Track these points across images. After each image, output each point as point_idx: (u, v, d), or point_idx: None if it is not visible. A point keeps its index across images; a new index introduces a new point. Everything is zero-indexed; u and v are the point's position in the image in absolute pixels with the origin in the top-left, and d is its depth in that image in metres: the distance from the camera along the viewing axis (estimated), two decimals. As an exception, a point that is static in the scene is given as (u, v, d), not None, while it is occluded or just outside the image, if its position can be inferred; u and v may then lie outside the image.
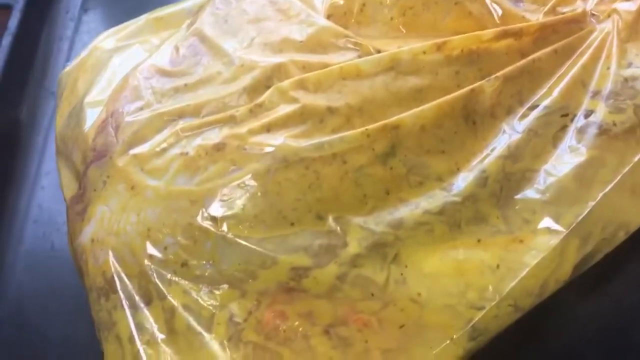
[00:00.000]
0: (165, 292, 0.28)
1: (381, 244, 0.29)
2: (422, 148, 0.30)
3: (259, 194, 0.28)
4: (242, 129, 0.29)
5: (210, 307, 0.28)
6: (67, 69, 0.41)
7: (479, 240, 0.30)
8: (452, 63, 0.32)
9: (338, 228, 0.29)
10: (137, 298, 0.28)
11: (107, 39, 0.41)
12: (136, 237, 0.28)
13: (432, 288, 0.29)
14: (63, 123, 0.35)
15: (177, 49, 0.33)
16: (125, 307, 0.28)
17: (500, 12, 0.35)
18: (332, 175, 0.29)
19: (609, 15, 0.35)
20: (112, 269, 0.28)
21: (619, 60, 0.33)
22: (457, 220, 0.30)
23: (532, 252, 0.30)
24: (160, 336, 0.27)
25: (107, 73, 0.36)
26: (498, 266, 0.30)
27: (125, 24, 0.43)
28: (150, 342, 0.27)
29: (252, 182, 0.28)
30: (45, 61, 0.50)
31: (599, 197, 0.31)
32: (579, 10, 0.35)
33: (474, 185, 0.30)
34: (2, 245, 0.39)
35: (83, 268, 0.29)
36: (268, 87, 0.30)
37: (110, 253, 0.28)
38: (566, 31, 0.35)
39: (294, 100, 0.29)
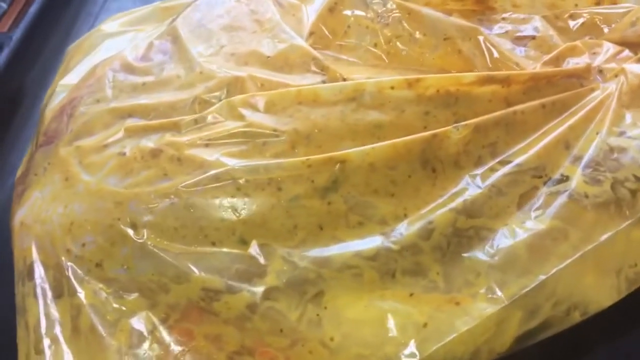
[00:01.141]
0: (76, 288, 0.28)
1: (302, 281, 0.28)
2: (369, 187, 0.29)
3: (184, 208, 0.27)
4: (182, 139, 0.28)
5: (117, 313, 0.27)
6: (72, 45, 0.42)
7: (411, 294, 0.29)
8: (423, 103, 0.30)
9: (260, 256, 0.28)
10: (49, 290, 0.28)
11: (113, 22, 0.41)
12: (58, 229, 0.28)
13: (348, 335, 0.28)
14: (45, 100, 0.36)
15: (151, 45, 0.33)
16: (38, 296, 0.28)
17: (496, 54, 0.33)
18: (263, 200, 0.28)
19: (616, 75, 0.32)
20: (33, 256, 0.28)
21: (610, 126, 0.31)
22: (391, 269, 0.29)
23: (466, 318, 0.28)
24: (64, 333, 0.27)
25: (92, 57, 0.37)
26: (425, 324, 0.28)
27: (137, 8, 0.43)
28: (54, 338, 0.27)
29: (179, 195, 0.27)
30: (67, 35, 0.51)
31: (552, 272, 0.29)
32: (582, 65, 0.32)
33: (417, 235, 0.29)
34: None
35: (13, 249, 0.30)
36: (220, 99, 0.29)
37: (34, 240, 0.28)
38: (564, 85, 0.32)
39: (241, 117, 0.28)
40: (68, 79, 0.35)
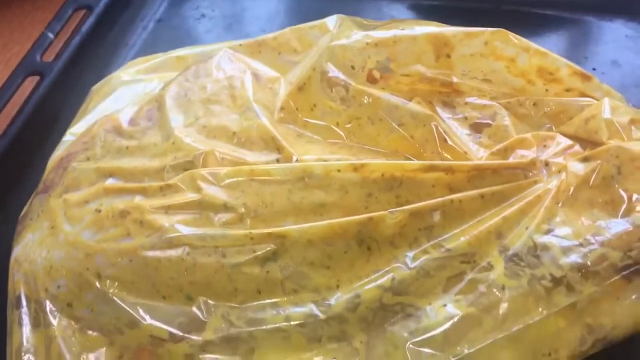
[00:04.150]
0: (50, 322, 0.33)
1: (235, 338, 0.32)
2: (306, 260, 0.32)
3: (140, 265, 0.32)
4: (147, 204, 0.33)
5: (81, 346, 0.32)
6: (95, 86, 0.47)
7: (334, 359, 0.32)
8: (367, 185, 0.33)
9: (202, 312, 0.32)
10: (29, 320, 0.33)
11: (130, 69, 0.46)
12: (41, 270, 0.33)
13: (271, 390, 0.32)
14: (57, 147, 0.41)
15: (140, 110, 0.37)
16: (22, 324, 0.33)
17: (448, 140, 0.36)
18: (208, 265, 0.32)
19: (559, 171, 0.34)
20: (21, 289, 0.34)
21: (540, 223, 0.33)
22: (318, 335, 0.32)
23: (378, 386, 0.32)
24: (38, 358, 0.33)
25: (104, 104, 0.42)
26: (342, 388, 0.32)
27: (153, 55, 0.48)
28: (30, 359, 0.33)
29: (137, 253, 0.32)
30: (105, 66, 0.56)
31: (461, 355, 0.31)
32: (528, 159, 0.35)
33: (344, 307, 0.32)
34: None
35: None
36: (186, 170, 0.34)
37: (22, 276, 0.34)
38: (508, 176, 0.34)
39: (198, 189, 0.33)
40: (76, 128, 0.40)
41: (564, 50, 0.52)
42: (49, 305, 0.33)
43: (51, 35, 0.56)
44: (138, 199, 0.33)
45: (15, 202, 0.42)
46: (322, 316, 0.32)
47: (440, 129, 0.35)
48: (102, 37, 0.58)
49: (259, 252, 0.32)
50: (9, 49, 0.62)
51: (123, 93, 0.42)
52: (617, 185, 0.33)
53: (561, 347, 0.32)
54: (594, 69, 0.49)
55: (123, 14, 0.60)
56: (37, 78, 0.53)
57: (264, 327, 0.32)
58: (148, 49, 0.55)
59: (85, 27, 0.57)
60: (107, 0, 0.59)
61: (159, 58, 0.47)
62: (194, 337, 0.32)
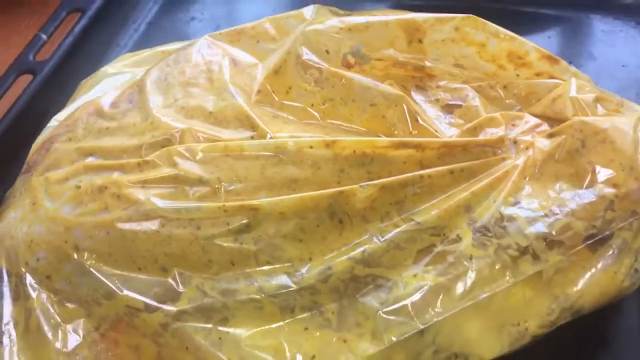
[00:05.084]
0: (29, 294, 0.34)
1: (209, 307, 0.32)
2: (279, 232, 0.33)
3: (117, 237, 0.33)
4: (124, 179, 0.34)
5: (58, 318, 0.33)
6: (84, 80, 0.48)
7: (306, 329, 0.33)
8: (339, 161, 0.34)
9: (177, 283, 0.33)
10: (10, 294, 0.34)
11: (118, 63, 0.48)
12: (22, 244, 0.34)
13: (244, 358, 0.32)
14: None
15: (123, 93, 0.39)
16: (3, 297, 0.34)
17: (419, 120, 0.37)
18: (183, 237, 0.33)
19: (527, 147, 0.35)
20: (2, 264, 0.35)
21: (506, 196, 0.34)
22: (290, 305, 0.33)
23: (349, 355, 0.32)
24: (18, 330, 0.33)
25: (88, 95, 0.43)
26: (313, 357, 0.32)
27: (141, 51, 0.49)
28: (10, 333, 0.33)
29: (114, 226, 0.33)
30: (98, 64, 0.57)
31: (429, 323, 0.32)
32: (496, 136, 0.35)
33: (316, 278, 0.33)
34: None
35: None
36: (163, 147, 0.35)
37: (4, 251, 0.35)
38: (477, 153, 0.35)
39: (174, 164, 0.34)
40: (61, 115, 0.41)
41: (542, 45, 0.53)
42: (29, 279, 0.34)
43: (44, 37, 0.58)
44: (116, 175, 0.34)
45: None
46: (294, 287, 0.33)
47: (411, 108, 0.36)
48: (94, 38, 0.59)
49: (233, 225, 0.33)
50: (4, 52, 0.64)
51: (108, 83, 0.44)
52: (581, 159, 0.33)
53: (530, 317, 0.33)
54: (570, 62, 0.50)
55: (115, 16, 0.62)
56: (30, 77, 0.55)
57: (238, 297, 0.33)
58: (139, 49, 0.57)
59: (77, 28, 0.58)
60: (99, 3, 0.60)
61: (144, 54, 0.48)
62: (169, 307, 0.32)
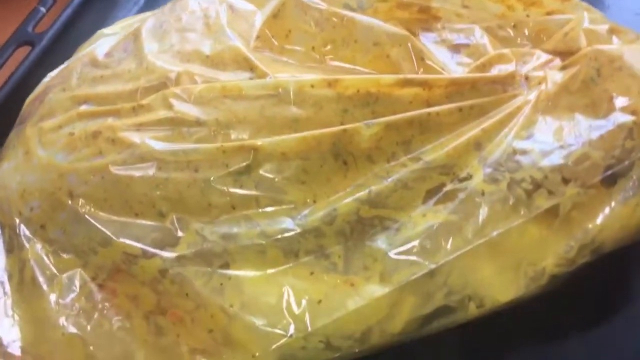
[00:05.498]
0: (23, 245, 0.32)
1: (209, 252, 0.31)
2: (281, 174, 0.32)
3: (112, 181, 0.31)
4: (118, 123, 0.32)
5: (54, 268, 0.32)
6: (81, 45, 0.47)
7: (311, 273, 0.31)
8: (342, 101, 0.33)
9: (175, 227, 0.31)
10: (3, 246, 0.33)
11: (115, 25, 0.46)
12: (15, 194, 0.33)
13: (247, 304, 0.31)
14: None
15: (117, 43, 0.37)
16: (-2, 248, 0.33)
17: (425, 59, 0.35)
18: (181, 180, 0.31)
19: (539, 82, 0.34)
20: (-4, 215, 0.34)
21: (519, 130, 0.32)
22: (294, 249, 0.31)
23: (357, 298, 0.31)
24: (12, 282, 0.32)
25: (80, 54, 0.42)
26: (320, 301, 0.31)
27: (140, 14, 0.48)
28: (4, 285, 0.32)
29: (109, 170, 0.32)
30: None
31: (440, 263, 0.30)
32: (506, 72, 0.34)
33: (320, 220, 0.31)
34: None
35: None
36: (158, 91, 0.33)
37: (-2, 202, 0.34)
38: (487, 91, 0.34)
39: (170, 107, 0.32)
40: (56, 71, 0.40)
41: None
42: (22, 229, 0.33)
43: (43, 9, 0.57)
44: (110, 120, 0.33)
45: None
46: (298, 230, 0.31)
47: (417, 47, 0.35)
48: (93, 8, 0.58)
49: (232, 167, 0.31)
50: (3, 29, 0.63)
51: (105, 41, 0.42)
52: (596, 88, 0.32)
53: (547, 255, 0.31)
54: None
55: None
56: (28, 48, 0.54)
57: (239, 242, 0.31)
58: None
59: (76, 1, 0.57)
60: (100, -25, 0.59)
61: (140, 16, 0.47)
62: (168, 253, 0.31)
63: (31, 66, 0.52)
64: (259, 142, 0.31)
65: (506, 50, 0.35)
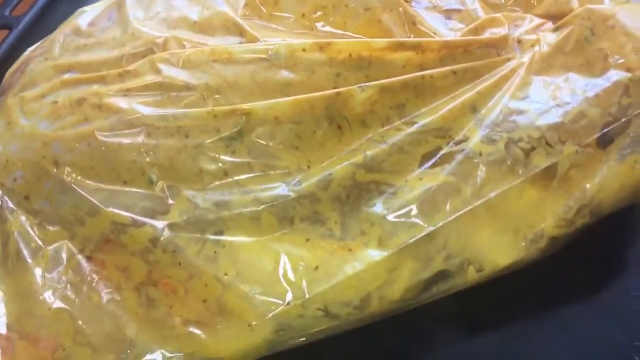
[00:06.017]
0: (6, 217, 0.31)
1: (202, 220, 0.30)
2: (274, 139, 0.31)
3: (99, 148, 0.30)
4: (104, 89, 0.31)
5: (39, 241, 0.31)
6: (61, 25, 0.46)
7: (307, 240, 0.31)
8: (335, 65, 0.32)
9: (166, 195, 0.30)
10: (-15, 217, 0.31)
11: (99, 4, 0.45)
12: (-4, 165, 0.32)
13: (241, 272, 0.30)
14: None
15: (101, 13, 0.36)
16: (-22, 222, 0.32)
17: (416, 24, 0.35)
18: (171, 146, 0.30)
19: (532, 45, 0.33)
20: (-24, 188, 0.32)
21: (515, 91, 0.32)
22: (289, 216, 0.31)
23: (355, 263, 0.30)
24: (-5, 255, 0.31)
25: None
26: (317, 268, 0.30)
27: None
28: (-14, 258, 0.31)
29: (96, 137, 0.30)
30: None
31: (439, 224, 0.30)
32: (499, 35, 0.33)
33: (315, 186, 0.31)
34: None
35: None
36: (145, 57, 0.32)
37: (-22, 174, 0.32)
38: (481, 54, 0.33)
39: (158, 71, 0.31)
40: (35, 45, 0.39)
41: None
42: (5, 201, 0.31)
43: (20, -7, 0.55)
44: (96, 87, 0.32)
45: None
46: (292, 195, 0.31)
47: (408, 12, 0.34)
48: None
49: (224, 132, 0.31)
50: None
51: (86, 15, 0.41)
52: (591, 47, 0.32)
53: (545, 216, 0.31)
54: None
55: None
56: (5, 32, 0.52)
57: (232, 209, 0.30)
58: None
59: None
60: (76, -42, 0.58)
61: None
62: (159, 222, 0.30)
63: (8, 49, 0.51)
64: (250, 105, 0.31)
65: (498, 15, 0.34)
